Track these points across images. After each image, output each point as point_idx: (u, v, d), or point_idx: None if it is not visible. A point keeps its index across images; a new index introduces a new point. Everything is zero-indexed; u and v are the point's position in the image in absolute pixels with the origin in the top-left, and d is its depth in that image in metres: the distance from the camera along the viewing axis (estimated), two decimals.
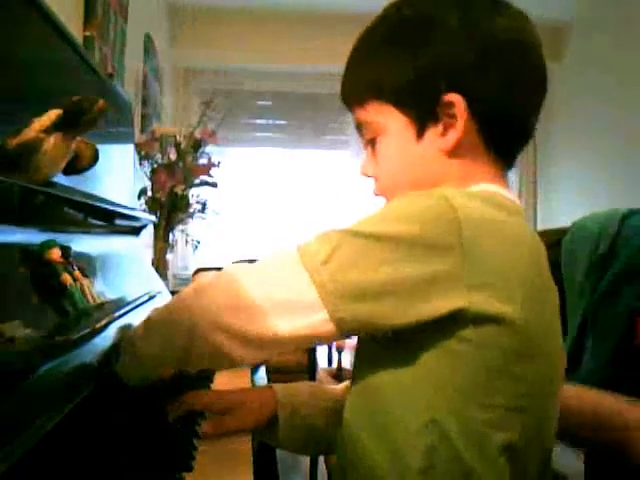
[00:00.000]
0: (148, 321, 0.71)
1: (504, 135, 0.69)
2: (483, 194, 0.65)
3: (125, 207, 1.16)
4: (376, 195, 0.76)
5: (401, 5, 0.71)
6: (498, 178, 0.70)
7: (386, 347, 0.63)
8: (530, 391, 0.62)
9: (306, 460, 2.17)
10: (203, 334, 0.62)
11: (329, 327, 0.58)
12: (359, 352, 0.70)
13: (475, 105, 0.66)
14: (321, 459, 1.98)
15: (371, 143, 0.73)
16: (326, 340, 0.64)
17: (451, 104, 0.66)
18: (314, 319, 0.58)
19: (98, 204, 0.94)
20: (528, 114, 0.71)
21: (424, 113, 0.68)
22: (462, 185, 0.67)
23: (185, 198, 2.25)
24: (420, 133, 0.68)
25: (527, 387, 0.62)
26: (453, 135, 0.66)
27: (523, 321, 0.59)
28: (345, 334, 0.60)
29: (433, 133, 0.68)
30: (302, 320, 0.59)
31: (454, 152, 0.68)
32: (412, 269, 0.57)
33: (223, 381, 1.04)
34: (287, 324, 0.59)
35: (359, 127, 0.74)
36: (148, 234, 2.19)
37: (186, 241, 2.54)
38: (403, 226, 0.59)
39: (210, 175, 2.27)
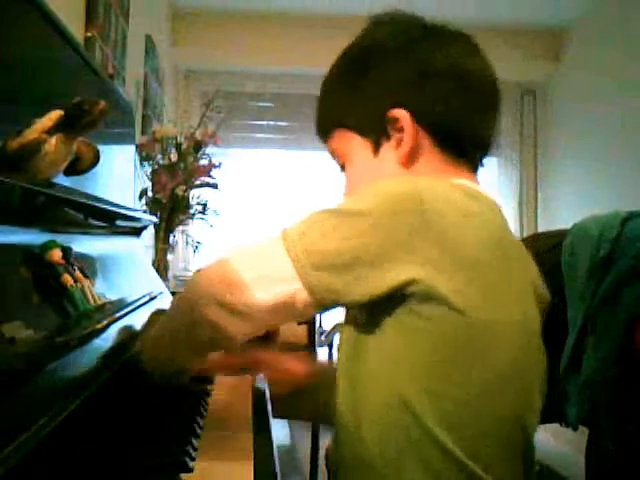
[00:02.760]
0: (157, 316, 0.80)
1: (454, 140, 0.75)
2: (452, 182, 0.70)
3: (126, 208, 1.16)
4: None
5: (350, 44, 0.80)
6: (465, 176, 0.75)
7: (358, 332, 0.70)
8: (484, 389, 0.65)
9: (306, 460, 2.17)
10: (201, 311, 0.67)
11: (304, 295, 0.64)
12: (340, 342, 0.77)
13: (419, 117, 0.73)
14: (321, 459, 1.98)
15: (343, 169, 0.81)
16: (306, 312, 0.67)
17: (397, 119, 0.73)
18: (291, 288, 0.64)
19: (99, 205, 0.94)
20: (472, 125, 0.76)
21: (377, 132, 0.75)
22: None
23: (186, 199, 2.25)
24: (376, 150, 0.76)
25: (478, 384, 0.64)
26: (405, 146, 0.73)
27: (470, 311, 0.62)
28: (321, 307, 0.66)
29: (388, 148, 0.75)
30: (281, 289, 0.64)
31: (411, 162, 0.74)
32: (375, 239, 0.62)
33: (224, 381, 1.04)
34: (268, 294, 0.65)
35: (332, 157, 0.83)
36: (149, 235, 2.20)
37: (187, 242, 2.54)
38: (372, 203, 0.64)
39: (211, 176, 2.27)
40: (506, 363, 0.66)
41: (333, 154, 0.82)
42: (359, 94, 0.76)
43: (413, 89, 0.73)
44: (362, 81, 0.76)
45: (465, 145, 0.76)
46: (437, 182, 0.68)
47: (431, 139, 0.73)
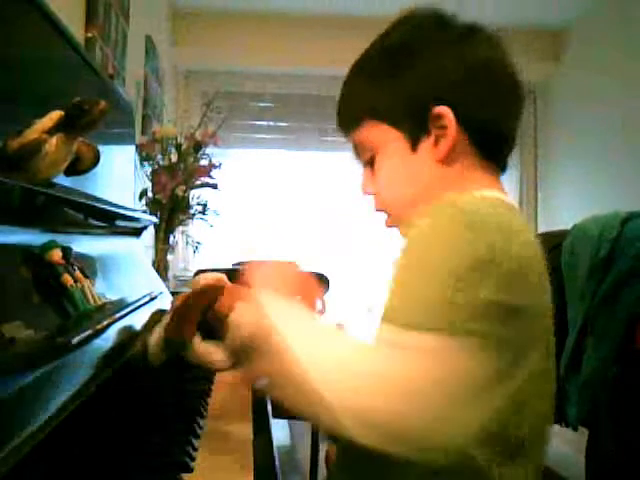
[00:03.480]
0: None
1: (492, 140, 0.74)
2: (495, 202, 0.68)
3: (126, 208, 1.16)
4: (377, 210, 0.80)
5: (388, 32, 0.78)
6: (494, 183, 0.75)
7: None
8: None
9: (306, 460, 2.17)
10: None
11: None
12: None
13: (463, 115, 0.71)
14: (321, 459, 1.98)
15: (369, 162, 0.78)
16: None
17: (440, 116, 0.71)
18: None
19: (99, 205, 0.94)
20: (510, 120, 0.76)
21: (416, 127, 0.73)
22: (460, 191, 0.70)
23: (186, 199, 2.25)
24: (414, 146, 0.74)
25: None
26: (445, 144, 0.72)
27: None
28: None
29: (426, 145, 0.73)
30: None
31: (448, 160, 0.73)
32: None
33: (224, 381, 1.04)
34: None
35: (356, 149, 0.80)
36: (149, 235, 2.20)
37: (187, 242, 2.54)
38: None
39: (211, 176, 2.27)
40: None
41: (360, 146, 0.79)
42: (401, 85, 0.74)
43: (459, 87, 0.72)
44: (407, 71, 0.74)
45: (501, 146, 0.76)
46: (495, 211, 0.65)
47: (468, 138, 0.73)
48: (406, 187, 0.75)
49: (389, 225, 0.80)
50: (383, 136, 0.75)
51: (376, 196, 0.79)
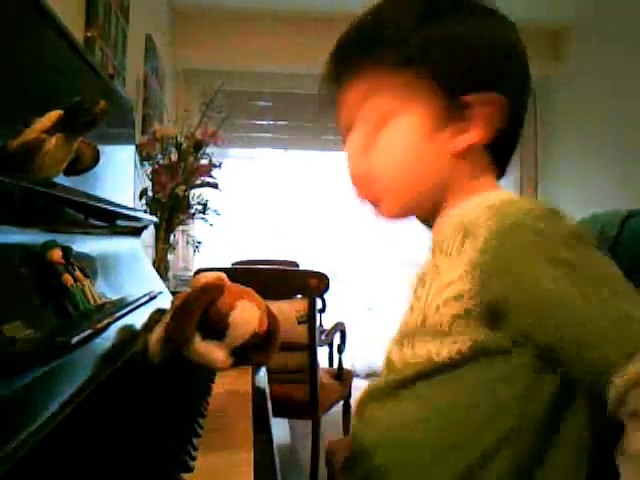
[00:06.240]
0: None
1: (506, 140, 0.69)
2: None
3: (126, 208, 1.16)
4: (364, 198, 0.71)
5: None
6: (498, 187, 0.70)
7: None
8: None
9: (306, 460, 2.17)
10: None
11: None
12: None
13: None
14: (321, 459, 1.98)
15: (367, 132, 0.67)
16: None
17: (491, 102, 0.63)
18: None
19: (99, 205, 0.94)
20: (521, 125, 0.71)
21: (450, 108, 0.64)
22: (468, 191, 0.66)
23: (186, 199, 2.25)
24: (435, 129, 0.65)
25: None
26: (470, 138, 0.64)
27: None
28: None
29: (447, 133, 0.65)
30: None
31: (463, 156, 0.65)
32: None
33: (224, 381, 1.04)
34: None
35: (349, 106, 0.68)
36: (149, 235, 2.20)
37: (187, 242, 2.55)
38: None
39: (211, 176, 2.27)
40: None
41: (360, 103, 0.67)
42: (462, 49, 0.64)
43: (507, 78, 0.64)
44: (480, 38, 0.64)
45: (512, 145, 0.70)
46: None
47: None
48: (410, 173, 0.67)
49: (386, 214, 0.71)
50: (404, 104, 0.65)
51: (365, 182, 0.69)
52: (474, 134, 0.64)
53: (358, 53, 0.67)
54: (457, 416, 0.61)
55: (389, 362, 0.69)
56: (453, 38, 0.64)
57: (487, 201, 0.63)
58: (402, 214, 0.71)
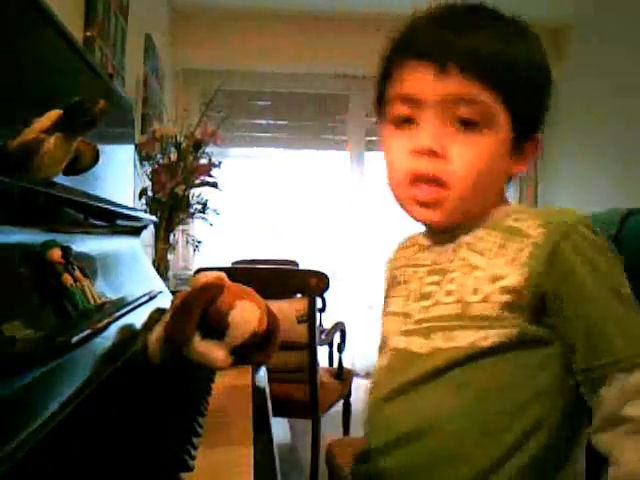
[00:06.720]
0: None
1: None
2: None
3: (126, 207, 1.16)
4: (421, 199, 0.72)
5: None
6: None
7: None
8: None
9: (306, 459, 2.17)
10: None
11: None
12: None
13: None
14: (321, 459, 1.98)
15: (463, 124, 0.70)
16: None
17: (539, 142, 0.77)
18: None
19: (99, 204, 0.94)
20: None
21: (525, 133, 0.74)
22: (498, 203, 0.75)
23: (186, 198, 2.25)
24: (508, 151, 0.73)
25: None
26: (527, 163, 0.76)
27: None
28: None
29: (515, 157, 0.74)
30: None
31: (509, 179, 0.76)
32: None
33: (224, 380, 1.04)
34: None
35: (462, 97, 0.69)
36: (149, 234, 2.20)
37: (187, 241, 2.55)
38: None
39: (211, 175, 2.27)
40: None
41: (475, 101, 0.69)
42: (549, 96, 0.76)
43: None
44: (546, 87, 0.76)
45: None
46: None
47: None
48: (483, 187, 0.71)
49: (439, 219, 0.73)
50: (492, 121, 0.70)
51: (443, 162, 0.70)
52: (525, 165, 0.75)
53: (479, 66, 0.69)
54: (496, 401, 0.67)
55: (408, 354, 0.72)
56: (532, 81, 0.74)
57: (525, 209, 0.74)
58: (454, 221, 0.74)
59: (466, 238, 0.73)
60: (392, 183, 0.75)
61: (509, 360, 0.67)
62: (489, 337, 0.66)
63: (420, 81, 0.69)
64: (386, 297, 0.85)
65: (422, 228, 0.81)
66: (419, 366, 0.70)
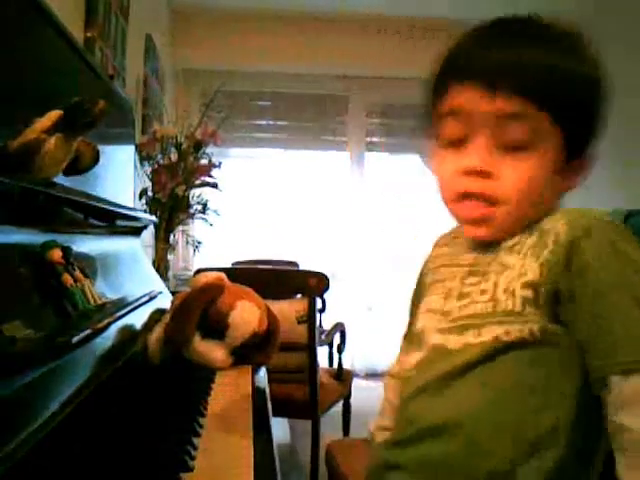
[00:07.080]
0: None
1: None
2: None
3: (126, 208, 1.16)
4: (471, 216, 0.74)
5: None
6: None
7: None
8: None
9: (306, 460, 2.17)
10: None
11: None
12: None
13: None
14: (321, 459, 1.98)
15: (511, 144, 0.70)
16: None
17: (590, 158, 0.75)
18: None
19: (99, 205, 0.94)
20: None
21: (573, 159, 0.73)
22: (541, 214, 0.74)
23: (186, 198, 2.25)
24: (558, 170, 0.73)
25: None
26: (574, 185, 0.76)
27: None
28: None
29: (565, 175, 0.74)
30: None
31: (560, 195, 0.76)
32: None
33: (224, 381, 1.04)
34: None
35: (513, 118, 0.69)
36: (149, 234, 2.20)
37: (187, 241, 2.55)
38: None
39: (211, 176, 2.27)
40: None
41: (524, 122, 0.69)
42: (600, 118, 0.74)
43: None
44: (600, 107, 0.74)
45: None
46: None
47: None
48: (532, 205, 0.72)
49: (486, 234, 0.74)
50: (542, 139, 0.70)
51: (492, 181, 0.71)
52: (576, 182, 0.76)
53: (532, 88, 0.69)
54: (517, 398, 0.67)
55: (443, 350, 0.73)
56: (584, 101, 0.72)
57: (561, 209, 0.74)
58: (500, 237, 0.74)
59: (508, 243, 0.74)
60: (444, 199, 0.78)
61: (531, 355, 0.67)
62: (511, 332, 0.67)
63: (470, 100, 0.70)
64: (421, 293, 0.85)
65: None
66: (450, 361, 0.71)
